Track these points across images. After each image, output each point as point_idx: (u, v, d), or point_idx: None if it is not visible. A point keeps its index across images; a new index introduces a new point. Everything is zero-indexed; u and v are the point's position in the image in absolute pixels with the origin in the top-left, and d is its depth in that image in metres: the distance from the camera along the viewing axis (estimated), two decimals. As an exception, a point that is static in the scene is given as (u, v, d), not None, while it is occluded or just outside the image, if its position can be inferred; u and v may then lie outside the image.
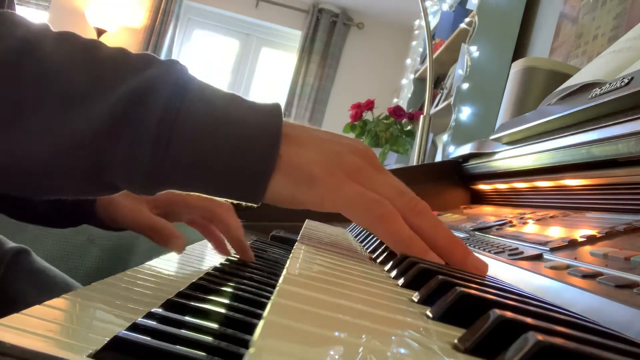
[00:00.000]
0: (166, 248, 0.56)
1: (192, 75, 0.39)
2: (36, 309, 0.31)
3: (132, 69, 0.37)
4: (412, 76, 3.52)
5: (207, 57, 4.98)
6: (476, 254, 0.53)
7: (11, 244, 0.70)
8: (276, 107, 0.39)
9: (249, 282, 0.51)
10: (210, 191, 0.39)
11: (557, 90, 0.77)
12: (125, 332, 0.30)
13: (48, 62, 0.35)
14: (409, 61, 4.10)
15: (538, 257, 0.46)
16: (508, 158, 0.83)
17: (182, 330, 0.32)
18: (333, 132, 0.43)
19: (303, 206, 0.39)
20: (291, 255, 0.37)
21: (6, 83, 0.34)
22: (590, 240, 0.45)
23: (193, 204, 0.59)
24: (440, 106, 2.41)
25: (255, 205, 0.40)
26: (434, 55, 2.51)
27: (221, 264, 0.57)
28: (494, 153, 0.90)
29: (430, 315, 0.25)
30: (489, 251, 0.52)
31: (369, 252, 0.52)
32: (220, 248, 0.63)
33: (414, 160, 1.75)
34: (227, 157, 0.37)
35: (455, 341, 0.21)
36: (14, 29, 0.35)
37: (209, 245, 0.65)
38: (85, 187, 0.38)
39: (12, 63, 0.34)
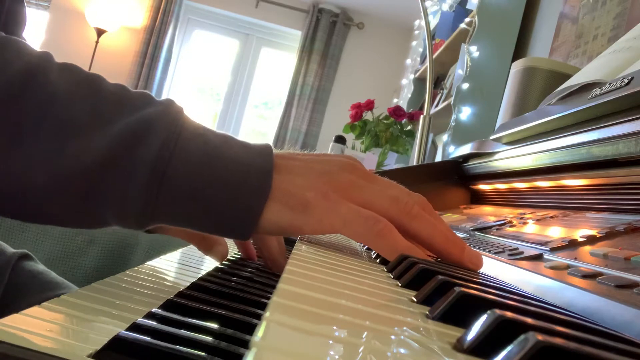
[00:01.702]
0: (209, 255, 0.56)
1: (187, 116, 0.40)
2: (36, 309, 0.31)
3: (131, 106, 0.38)
4: (412, 76, 3.53)
5: (207, 57, 4.98)
6: (476, 254, 0.53)
7: (11, 249, 0.70)
8: (267, 146, 0.41)
9: (249, 282, 0.51)
10: (203, 225, 0.39)
11: (557, 90, 0.77)
12: (125, 332, 0.30)
13: (51, 90, 0.36)
14: (409, 61, 4.10)
15: (538, 257, 0.46)
16: (508, 158, 0.83)
17: (182, 330, 0.32)
18: (320, 153, 0.45)
19: (302, 231, 0.40)
20: (291, 255, 0.37)
21: (9, 108, 0.35)
22: (590, 240, 0.45)
23: None
24: (440, 106, 2.41)
25: (243, 241, 0.41)
26: (434, 55, 2.52)
27: (221, 264, 0.57)
28: (494, 153, 0.90)
29: (430, 315, 0.25)
30: (489, 251, 0.52)
31: (369, 252, 0.52)
32: (250, 259, 0.63)
33: (414, 160, 1.75)
34: (220, 192, 0.38)
35: (455, 341, 0.21)
36: (19, 55, 0.36)
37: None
38: (77, 218, 0.38)
39: (16, 89, 0.35)
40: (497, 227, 0.65)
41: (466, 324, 0.22)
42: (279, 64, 5.00)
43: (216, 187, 0.38)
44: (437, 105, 2.51)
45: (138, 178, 0.36)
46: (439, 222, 0.42)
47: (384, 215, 0.40)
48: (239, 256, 0.64)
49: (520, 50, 1.96)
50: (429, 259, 0.41)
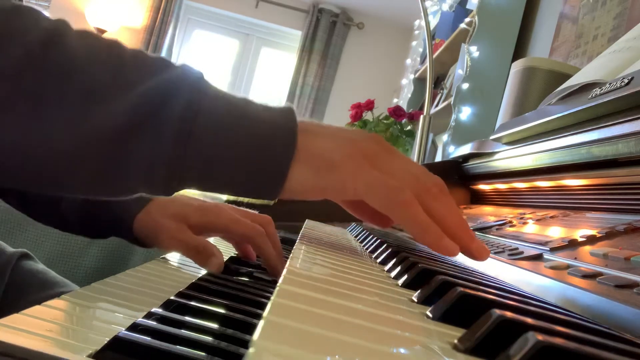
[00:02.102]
0: (205, 267, 0.56)
1: (207, 79, 0.39)
2: (36, 309, 0.31)
3: (153, 69, 0.38)
4: (412, 76, 3.52)
5: (207, 57, 4.98)
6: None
7: (10, 248, 0.70)
8: (290, 107, 0.41)
9: (249, 282, 0.51)
10: (230, 186, 0.39)
11: (557, 90, 0.77)
12: (125, 332, 0.30)
13: (72, 56, 0.35)
14: (409, 61, 4.10)
15: (538, 257, 0.46)
16: (508, 158, 0.83)
17: (182, 330, 0.32)
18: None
19: (324, 193, 0.40)
20: (291, 255, 0.37)
21: (30, 74, 0.34)
22: (590, 240, 0.45)
23: (232, 230, 0.58)
24: (440, 106, 2.41)
25: (271, 203, 0.40)
26: (434, 55, 2.51)
27: (212, 272, 0.57)
28: (494, 153, 0.90)
29: (430, 315, 0.25)
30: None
31: (369, 252, 0.52)
32: (251, 258, 0.63)
33: (414, 160, 1.75)
34: (247, 150, 0.37)
35: (455, 341, 0.21)
36: (37, 22, 0.35)
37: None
38: (102, 185, 0.37)
39: (36, 55, 0.34)
40: (497, 227, 0.65)
41: (466, 324, 0.22)
42: (279, 64, 4.99)
43: (242, 146, 0.37)
44: (437, 105, 2.51)
45: (164, 139, 0.36)
46: (454, 206, 0.43)
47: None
48: (238, 256, 0.64)
49: (520, 50, 1.96)
50: (445, 237, 0.41)
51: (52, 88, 0.34)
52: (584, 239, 0.46)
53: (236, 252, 0.65)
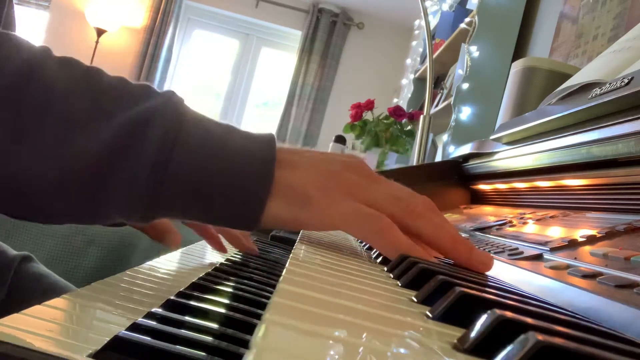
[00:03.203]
0: (162, 244, 0.56)
1: (188, 107, 0.39)
2: (36, 309, 0.31)
3: (132, 98, 0.38)
4: (412, 76, 3.52)
5: (207, 57, 4.98)
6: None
7: (13, 251, 0.71)
8: (270, 136, 0.41)
9: (249, 282, 0.51)
10: (207, 217, 0.39)
11: (557, 90, 0.77)
12: (125, 332, 0.30)
13: (51, 86, 0.36)
14: (409, 61, 4.10)
15: (538, 257, 0.46)
16: (508, 158, 0.83)
17: (182, 330, 0.32)
18: (325, 151, 0.44)
19: (302, 226, 0.40)
20: (291, 255, 0.37)
21: (9, 105, 0.34)
22: (590, 240, 0.45)
23: None
24: (440, 106, 2.41)
25: (249, 232, 0.40)
26: (434, 55, 2.52)
27: (221, 263, 0.57)
28: (494, 153, 0.90)
29: (430, 315, 0.25)
30: (489, 251, 0.52)
31: (369, 252, 0.52)
32: (216, 245, 0.63)
33: (414, 160, 1.75)
34: (223, 182, 0.37)
35: (455, 341, 0.21)
36: (17, 51, 0.36)
37: (209, 245, 0.65)
38: (80, 213, 0.38)
39: (16, 85, 0.35)
40: (497, 227, 0.65)
41: (466, 324, 0.22)
42: (279, 64, 4.99)
43: (218, 178, 0.37)
44: (437, 105, 2.51)
45: (140, 171, 0.36)
46: (445, 223, 0.42)
47: (387, 215, 0.40)
48: (239, 256, 0.64)
49: (520, 50, 1.96)
50: (431, 258, 0.40)
51: (30, 119, 0.35)
52: (584, 239, 0.46)
53: (236, 254, 0.65)
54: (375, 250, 0.52)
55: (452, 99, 2.00)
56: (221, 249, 0.63)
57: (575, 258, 0.42)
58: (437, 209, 0.43)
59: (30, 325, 0.29)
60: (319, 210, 0.39)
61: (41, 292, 0.66)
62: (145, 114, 0.37)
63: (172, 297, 0.39)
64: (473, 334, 0.20)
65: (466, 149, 1.02)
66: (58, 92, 0.36)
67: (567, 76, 0.80)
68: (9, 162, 0.35)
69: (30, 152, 0.35)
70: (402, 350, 0.19)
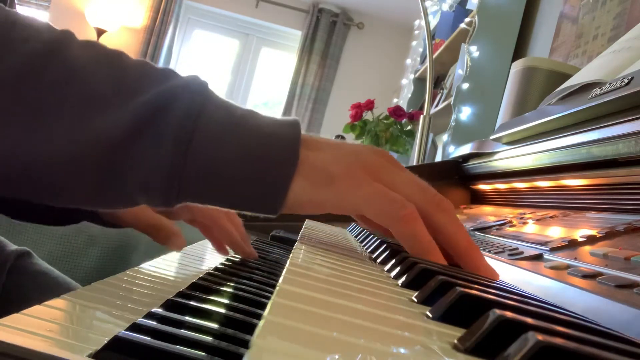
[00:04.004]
0: (166, 246, 0.56)
1: (212, 90, 0.38)
2: (36, 309, 0.31)
3: (154, 79, 0.37)
4: (412, 76, 3.52)
5: (207, 57, 4.98)
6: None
7: (12, 246, 0.70)
8: (295, 119, 0.40)
9: (249, 282, 0.51)
10: (230, 199, 0.38)
11: (557, 90, 0.77)
12: (125, 332, 0.30)
13: (73, 65, 0.35)
14: (409, 61, 4.10)
15: (538, 257, 0.46)
16: (508, 158, 0.83)
17: (182, 330, 0.32)
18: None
19: (323, 208, 0.39)
20: (291, 255, 0.37)
21: (31, 84, 0.34)
22: (590, 240, 0.45)
23: (195, 210, 0.58)
24: (440, 106, 2.41)
25: (273, 216, 0.39)
26: (434, 55, 2.51)
27: (221, 264, 0.57)
28: (494, 153, 0.90)
29: (430, 315, 0.25)
30: (489, 251, 0.52)
31: (369, 252, 0.52)
32: (220, 249, 0.63)
33: (414, 160, 1.75)
34: (247, 161, 0.36)
35: (455, 341, 0.21)
36: (39, 32, 0.36)
37: (209, 245, 0.65)
38: (101, 195, 0.37)
39: (38, 64, 0.34)
40: (497, 227, 0.65)
41: (466, 324, 0.22)
42: (279, 64, 4.99)
43: (242, 157, 0.36)
44: (437, 105, 2.51)
45: (163, 148, 0.35)
46: (462, 224, 0.41)
47: (411, 202, 0.39)
48: (239, 256, 0.64)
49: (520, 50, 1.96)
50: (443, 261, 0.39)
51: (52, 97, 0.34)
52: (584, 239, 0.46)
53: (235, 254, 0.65)
54: (375, 250, 0.51)
55: (452, 99, 2.00)
56: (223, 252, 0.63)
57: (575, 258, 0.42)
58: (453, 207, 0.42)
59: (30, 325, 0.29)
60: (341, 190, 0.38)
61: (39, 288, 0.66)
62: (168, 93, 0.36)
63: (172, 297, 0.39)
64: (473, 334, 0.20)
65: (466, 149, 1.02)
66: (79, 72, 0.35)
67: (567, 76, 0.80)
68: (31, 141, 0.34)
69: (52, 131, 0.34)
70: (402, 351, 0.19)
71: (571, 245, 0.45)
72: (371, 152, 0.40)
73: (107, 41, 4.53)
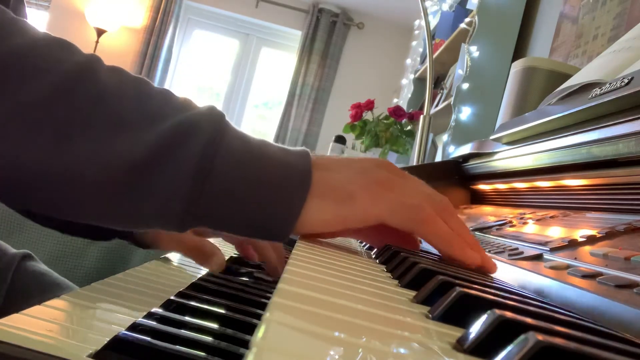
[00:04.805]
0: (206, 267, 0.56)
1: (227, 120, 0.41)
2: (36, 309, 0.31)
3: (177, 107, 0.39)
4: (412, 76, 3.52)
5: (207, 57, 4.98)
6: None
7: (13, 250, 0.70)
8: (305, 149, 0.43)
9: (249, 282, 0.51)
10: (244, 225, 0.40)
11: (557, 90, 0.77)
12: (125, 332, 0.30)
13: (101, 88, 0.37)
14: (409, 61, 4.10)
15: (538, 257, 0.46)
16: (508, 158, 0.83)
17: (182, 330, 0.32)
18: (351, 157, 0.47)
19: (346, 223, 0.41)
20: (291, 255, 0.37)
21: (61, 104, 0.35)
22: (590, 240, 0.45)
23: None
24: (440, 106, 2.41)
25: (282, 241, 0.41)
26: (434, 55, 2.51)
27: (213, 272, 0.57)
28: (494, 153, 0.90)
29: (430, 315, 0.25)
30: (489, 251, 0.52)
31: (369, 252, 0.52)
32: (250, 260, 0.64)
33: (414, 160, 1.75)
34: (263, 188, 0.39)
35: (455, 341, 0.21)
36: (72, 54, 0.37)
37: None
38: (119, 215, 0.38)
39: (67, 85, 0.36)
40: (497, 227, 0.65)
41: (466, 324, 0.22)
42: (279, 64, 4.99)
43: (258, 184, 0.38)
44: (437, 105, 2.51)
45: (184, 173, 0.37)
46: (464, 225, 0.45)
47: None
48: (239, 257, 0.64)
49: (520, 50, 1.96)
50: (468, 248, 0.43)
51: (81, 118, 0.36)
52: (584, 239, 0.46)
53: (236, 253, 0.65)
54: (375, 250, 0.51)
55: (452, 99, 2.00)
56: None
57: (575, 258, 0.42)
58: (454, 208, 0.45)
59: (30, 325, 0.29)
60: (364, 204, 0.41)
61: (41, 290, 0.66)
62: (190, 122, 0.38)
63: (172, 297, 0.39)
64: (473, 334, 0.20)
65: (466, 149, 1.02)
66: (107, 95, 0.37)
67: (567, 76, 0.80)
68: (54, 160, 0.35)
69: (76, 152, 0.35)
70: (402, 350, 0.19)
71: (571, 245, 0.45)
72: (379, 167, 0.44)
73: (107, 41, 4.53)
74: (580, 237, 0.46)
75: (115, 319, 0.34)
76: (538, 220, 0.62)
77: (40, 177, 0.35)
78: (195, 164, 0.37)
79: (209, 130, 0.38)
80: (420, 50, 3.55)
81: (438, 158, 2.35)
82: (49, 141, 0.35)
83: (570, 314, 0.28)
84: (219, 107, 0.43)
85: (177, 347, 0.29)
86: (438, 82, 2.93)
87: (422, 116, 1.71)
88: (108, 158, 0.36)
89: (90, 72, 0.37)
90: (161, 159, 0.36)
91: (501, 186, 0.89)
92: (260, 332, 0.16)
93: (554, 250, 0.46)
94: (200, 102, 0.41)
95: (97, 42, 4.46)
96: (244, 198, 0.38)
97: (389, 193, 0.42)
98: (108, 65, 0.39)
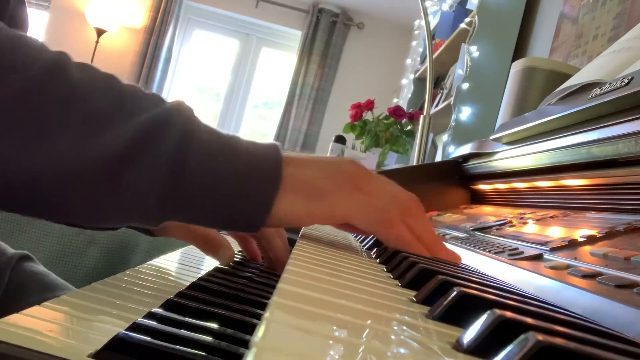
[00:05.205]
0: (215, 258, 0.56)
1: (196, 115, 0.42)
2: (36, 309, 0.31)
3: (148, 102, 0.39)
4: (412, 76, 3.52)
5: (207, 57, 4.98)
6: (476, 254, 0.53)
7: (12, 250, 0.71)
8: (275, 143, 0.43)
9: (249, 282, 0.51)
10: (218, 217, 0.40)
11: (557, 90, 0.77)
12: (125, 332, 0.30)
13: (73, 85, 0.37)
14: (409, 61, 4.10)
15: (538, 257, 0.46)
16: (508, 158, 0.83)
17: (182, 330, 0.32)
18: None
19: (315, 219, 0.42)
20: (291, 255, 0.37)
21: (35, 102, 0.35)
22: (590, 240, 0.45)
23: None
24: (440, 106, 2.41)
25: (254, 232, 0.42)
26: (434, 55, 2.51)
27: (221, 263, 0.57)
28: (494, 153, 0.90)
29: (430, 315, 0.25)
30: (489, 251, 0.52)
31: (369, 252, 0.52)
32: (254, 260, 0.64)
33: (414, 160, 1.75)
34: (237, 180, 0.39)
35: (455, 341, 0.21)
36: (40, 53, 0.37)
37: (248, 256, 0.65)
38: (94, 212, 0.38)
39: (42, 84, 0.36)
40: (497, 227, 0.65)
41: (466, 324, 0.22)
42: (279, 64, 4.99)
43: (231, 177, 0.39)
44: (437, 105, 2.51)
45: (159, 168, 0.37)
46: (429, 224, 0.46)
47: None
48: (239, 256, 0.64)
49: (520, 50, 1.96)
50: (426, 253, 0.44)
51: (54, 116, 0.36)
52: (584, 239, 0.46)
53: (236, 254, 0.65)
54: (374, 250, 0.52)
55: (452, 99, 2.00)
56: (258, 260, 0.64)
57: (575, 258, 0.42)
58: (422, 205, 0.46)
59: (30, 325, 0.29)
60: (333, 202, 0.42)
61: (39, 290, 0.66)
62: (163, 116, 0.38)
63: (172, 297, 0.39)
64: (473, 333, 0.20)
65: (466, 149, 1.02)
66: (80, 91, 0.37)
67: (567, 76, 0.80)
68: (30, 160, 0.35)
69: (51, 150, 0.35)
70: (402, 350, 0.19)
71: (571, 245, 0.45)
72: (349, 164, 0.45)
73: (107, 41, 4.53)
74: (580, 237, 0.46)
75: (115, 318, 0.34)
76: (538, 220, 0.62)
77: (17, 176, 0.35)
78: (170, 158, 0.37)
79: (181, 125, 0.38)
80: (420, 50, 3.55)
81: (438, 158, 2.35)
82: (24, 139, 0.35)
83: (570, 314, 0.28)
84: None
85: (177, 347, 0.29)
86: (438, 82, 2.93)
87: (422, 116, 1.71)
88: (88, 153, 0.36)
89: (62, 69, 0.37)
90: (137, 154, 0.37)
91: (501, 186, 0.89)
92: (260, 332, 0.16)
93: (554, 250, 0.46)
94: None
95: (97, 42, 4.46)
96: (217, 191, 0.39)
97: (358, 193, 0.43)
98: (77, 62, 0.39)
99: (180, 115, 0.39)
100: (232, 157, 0.39)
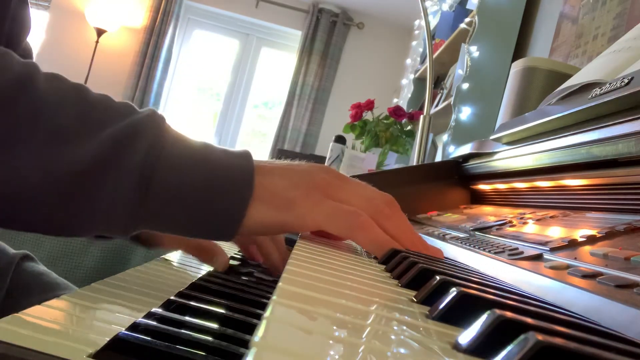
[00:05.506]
0: (210, 265, 0.57)
1: (169, 124, 0.41)
2: (36, 309, 0.31)
3: (118, 113, 0.39)
4: (412, 76, 3.52)
5: (207, 57, 4.98)
6: (476, 254, 0.53)
7: (13, 250, 0.71)
8: (246, 151, 0.43)
9: (249, 282, 0.51)
10: (188, 228, 0.40)
11: (557, 90, 0.77)
12: (126, 332, 0.30)
13: (42, 98, 0.37)
14: (409, 61, 4.10)
15: (538, 257, 0.46)
16: (508, 158, 0.83)
17: (182, 330, 0.32)
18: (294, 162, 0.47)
19: (286, 228, 0.42)
20: (291, 255, 0.37)
21: (2, 115, 0.35)
22: (590, 240, 0.45)
23: None
24: (440, 106, 2.41)
25: (227, 241, 0.43)
26: (434, 55, 2.51)
27: (216, 270, 0.57)
28: (494, 153, 0.90)
29: (430, 315, 0.25)
30: (489, 251, 0.52)
31: (369, 252, 0.52)
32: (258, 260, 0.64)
33: (414, 160, 1.75)
34: (205, 192, 0.39)
35: (455, 341, 0.21)
36: (10, 65, 0.37)
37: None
38: (63, 222, 0.38)
39: (10, 96, 0.36)
40: (497, 227, 0.65)
41: (466, 324, 0.22)
42: (279, 64, 4.99)
43: (201, 188, 0.39)
44: (437, 105, 2.51)
45: (126, 181, 0.37)
46: (406, 223, 0.46)
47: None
48: (239, 256, 0.64)
49: (520, 50, 1.96)
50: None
51: (22, 129, 0.36)
52: (584, 239, 0.46)
53: (236, 254, 0.65)
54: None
55: (452, 99, 2.00)
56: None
57: (575, 258, 0.42)
58: (399, 206, 0.46)
59: (30, 325, 0.29)
60: (303, 211, 0.42)
61: (40, 290, 0.66)
62: (131, 128, 0.38)
63: (172, 297, 0.39)
64: (473, 333, 0.20)
65: (466, 149, 1.02)
66: (47, 104, 0.37)
67: (567, 76, 0.80)
68: (0, 171, 0.35)
69: (20, 162, 0.35)
70: (401, 350, 0.19)
71: (571, 245, 0.45)
72: (320, 171, 0.44)
73: (107, 41, 4.53)
74: (580, 237, 0.46)
75: (115, 319, 0.34)
76: (538, 220, 0.62)
77: None
78: (137, 173, 0.37)
79: (150, 137, 0.38)
80: (420, 50, 3.55)
81: (438, 158, 2.35)
82: None
83: (570, 314, 0.28)
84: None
85: (177, 347, 0.29)
86: (438, 82, 2.93)
87: (422, 116, 1.71)
88: (51, 168, 0.36)
89: (30, 81, 0.37)
90: (103, 168, 0.37)
91: (501, 186, 0.89)
92: (260, 332, 0.16)
93: (554, 250, 0.46)
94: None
95: (97, 42, 4.46)
96: (186, 203, 0.39)
97: (328, 200, 0.42)
98: (46, 73, 0.39)
99: (150, 126, 0.39)
100: (203, 168, 0.39)
